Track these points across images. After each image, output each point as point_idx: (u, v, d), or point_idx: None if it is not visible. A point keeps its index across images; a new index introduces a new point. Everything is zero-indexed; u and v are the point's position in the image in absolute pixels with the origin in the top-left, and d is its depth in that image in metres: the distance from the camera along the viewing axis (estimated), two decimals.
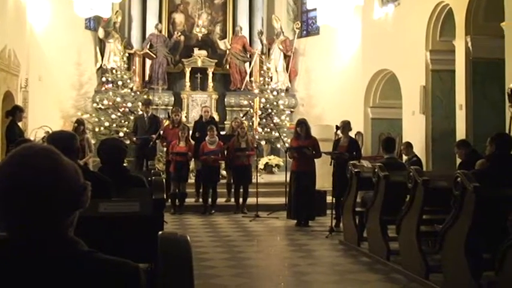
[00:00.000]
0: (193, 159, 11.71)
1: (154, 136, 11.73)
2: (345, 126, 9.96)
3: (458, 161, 8.61)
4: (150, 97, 15.65)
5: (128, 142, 11.32)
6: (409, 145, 10.79)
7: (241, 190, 11.32)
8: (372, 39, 14.37)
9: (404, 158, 10.75)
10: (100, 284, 1.38)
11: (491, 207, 5.02)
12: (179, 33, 16.99)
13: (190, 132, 12.01)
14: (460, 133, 10.46)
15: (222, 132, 12.64)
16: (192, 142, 11.66)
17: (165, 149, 12.20)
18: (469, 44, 10.50)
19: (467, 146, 8.47)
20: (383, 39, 13.69)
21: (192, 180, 12.00)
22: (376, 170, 7.16)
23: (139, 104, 14.74)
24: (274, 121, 14.78)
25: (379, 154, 11.70)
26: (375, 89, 14.70)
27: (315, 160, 10.09)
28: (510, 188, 4.68)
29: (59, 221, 1.41)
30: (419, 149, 11.55)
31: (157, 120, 12.50)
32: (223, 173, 12.36)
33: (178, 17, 17.34)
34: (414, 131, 12.25)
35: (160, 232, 2.15)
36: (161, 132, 11.89)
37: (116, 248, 1.78)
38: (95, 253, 1.43)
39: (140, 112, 12.74)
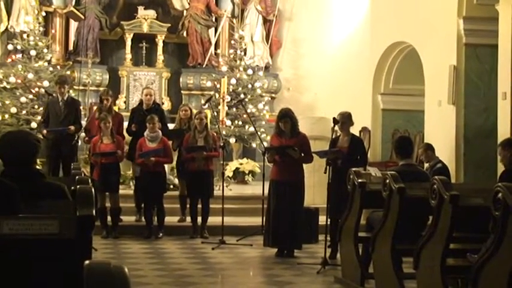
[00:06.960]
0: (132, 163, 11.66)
1: (72, 128, 11.59)
2: (345, 120, 9.97)
3: (501, 169, 8.70)
4: (75, 74, 15.56)
5: (41, 136, 11.22)
6: (429, 147, 10.83)
7: (200, 206, 11.33)
8: (385, 1, 14.46)
9: (426, 165, 10.84)
10: None
11: None
12: None
13: (126, 124, 11.97)
14: (504, 131, 10.56)
15: (171, 126, 12.54)
16: (129, 137, 11.64)
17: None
18: None
19: None
20: (400, 2, 13.78)
21: (129, 191, 11.94)
22: (387, 181, 7.21)
23: None
24: (249, 111, 14.79)
25: (392, 159, 11.78)
26: (388, 69, 14.80)
27: (304, 166, 10.14)
28: None
29: None
30: (446, 153, 11.64)
31: (76, 105, 12.28)
32: (175, 181, 12.35)
33: None
34: (440, 127, 12.34)
35: (87, 262, 2.15)
36: (84, 122, 11.85)
37: (26, 283, 1.78)
38: None
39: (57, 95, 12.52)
